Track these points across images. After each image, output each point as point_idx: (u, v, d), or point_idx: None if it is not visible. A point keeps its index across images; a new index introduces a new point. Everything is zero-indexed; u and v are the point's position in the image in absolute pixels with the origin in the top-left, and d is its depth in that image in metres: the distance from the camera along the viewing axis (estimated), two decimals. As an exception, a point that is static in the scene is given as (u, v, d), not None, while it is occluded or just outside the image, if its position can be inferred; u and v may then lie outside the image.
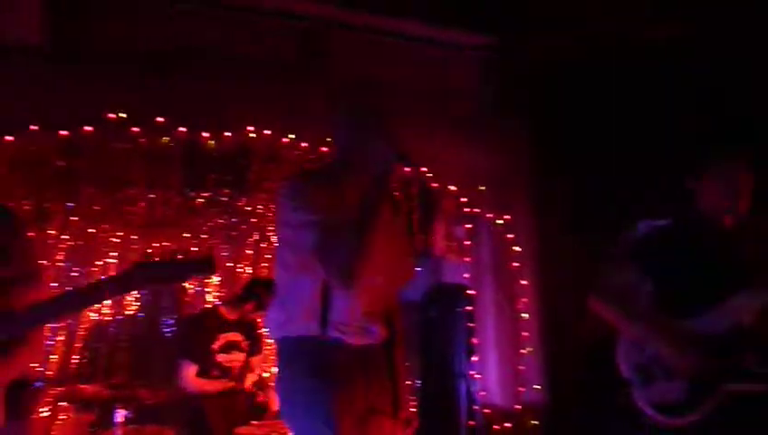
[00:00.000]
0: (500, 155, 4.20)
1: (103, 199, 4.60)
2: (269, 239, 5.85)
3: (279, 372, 2.00)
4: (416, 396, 4.24)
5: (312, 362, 1.92)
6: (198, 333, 3.76)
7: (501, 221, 4.16)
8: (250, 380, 3.85)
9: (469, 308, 4.25)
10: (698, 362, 2.22)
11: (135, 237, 5.45)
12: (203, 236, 5.70)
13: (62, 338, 4.82)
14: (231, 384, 3.73)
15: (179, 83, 3.48)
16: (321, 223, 1.88)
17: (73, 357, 4.91)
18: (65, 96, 3.38)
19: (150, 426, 3.53)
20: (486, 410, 4.10)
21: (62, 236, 4.84)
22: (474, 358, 4.22)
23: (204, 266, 1.79)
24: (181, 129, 3.47)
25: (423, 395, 4.36)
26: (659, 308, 2.38)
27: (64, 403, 3.87)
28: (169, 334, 5.67)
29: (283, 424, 3.53)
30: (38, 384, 3.18)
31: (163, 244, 5.53)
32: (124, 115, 3.36)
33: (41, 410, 3.73)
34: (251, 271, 5.86)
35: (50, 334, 4.59)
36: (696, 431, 2.20)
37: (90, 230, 5.09)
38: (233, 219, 5.47)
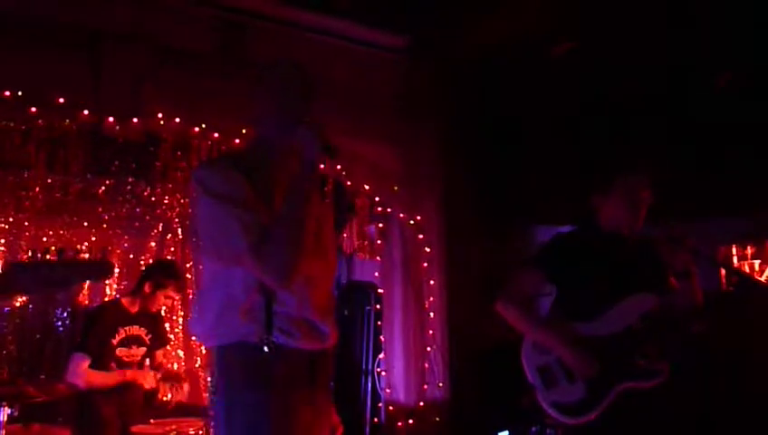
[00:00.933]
0: (411, 155, 4.27)
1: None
2: (175, 231, 5.67)
3: (214, 382, 1.82)
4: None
5: (253, 373, 1.68)
6: (96, 326, 3.58)
7: (413, 222, 4.23)
8: (152, 375, 3.71)
9: (378, 307, 4.31)
10: (594, 364, 2.37)
11: (27, 224, 5.12)
12: (104, 225, 5.43)
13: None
14: (126, 378, 3.57)
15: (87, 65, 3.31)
16: (243, 204, 1.67)
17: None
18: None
19: (36, 425, 3.34)
20: (391, 408, 4.15)
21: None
22: (380, 355, 4.27)
23: (100, 270, 1.60)
24: (84, 111, 3.31)
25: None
26: (562, 313, 2.52)
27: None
28: (62, 328, 5.37)
29: (183, 422, 3.45)
30: None
31: (59, 232, 5.22)
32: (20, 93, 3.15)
33: None
34: (154, 263, 5.67)
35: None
36: (596, 430, 2.35)
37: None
38: (137, 209, 5.25)
